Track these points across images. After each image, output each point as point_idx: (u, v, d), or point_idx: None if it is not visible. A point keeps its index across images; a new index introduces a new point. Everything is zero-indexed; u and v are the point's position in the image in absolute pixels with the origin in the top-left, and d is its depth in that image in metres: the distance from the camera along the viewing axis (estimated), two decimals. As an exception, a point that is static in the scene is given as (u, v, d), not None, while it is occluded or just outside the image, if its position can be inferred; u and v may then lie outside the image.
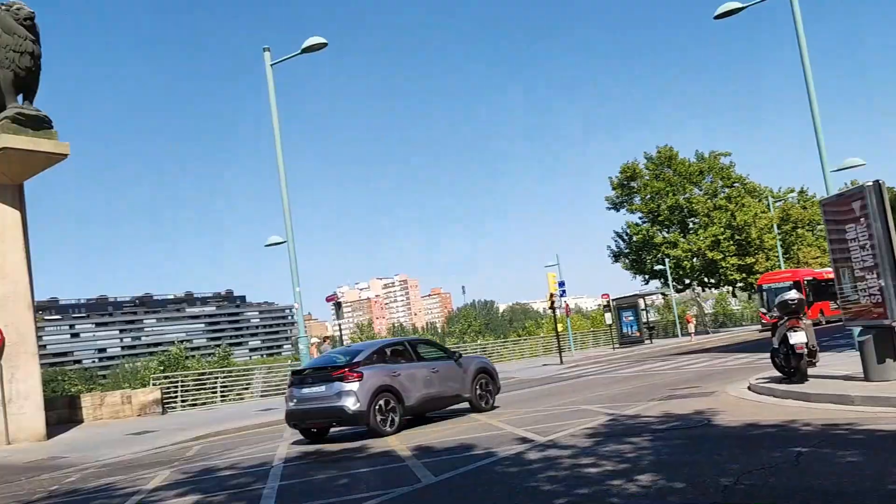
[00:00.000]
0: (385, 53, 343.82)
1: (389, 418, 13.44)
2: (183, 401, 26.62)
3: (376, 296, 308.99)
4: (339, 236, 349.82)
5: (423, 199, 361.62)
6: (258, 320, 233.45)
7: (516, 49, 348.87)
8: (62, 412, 22.60)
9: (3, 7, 18.87)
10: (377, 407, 13.28)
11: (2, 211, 19.28)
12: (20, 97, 19.30)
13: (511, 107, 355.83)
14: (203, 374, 31.33)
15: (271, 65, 21.35)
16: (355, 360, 13.75)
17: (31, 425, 18.77)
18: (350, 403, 13.11)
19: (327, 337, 28.14)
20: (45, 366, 44.88)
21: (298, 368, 16.17)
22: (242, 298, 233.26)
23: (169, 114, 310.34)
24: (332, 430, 14.62)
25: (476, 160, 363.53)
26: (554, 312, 39.05)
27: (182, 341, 66.90)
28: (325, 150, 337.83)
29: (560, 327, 41.09)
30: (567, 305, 45.26)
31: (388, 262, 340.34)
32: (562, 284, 41.63)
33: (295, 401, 13.89)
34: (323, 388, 13.50)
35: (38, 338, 20.58)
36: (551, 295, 38.47)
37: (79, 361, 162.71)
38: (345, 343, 35.38)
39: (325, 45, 20.39)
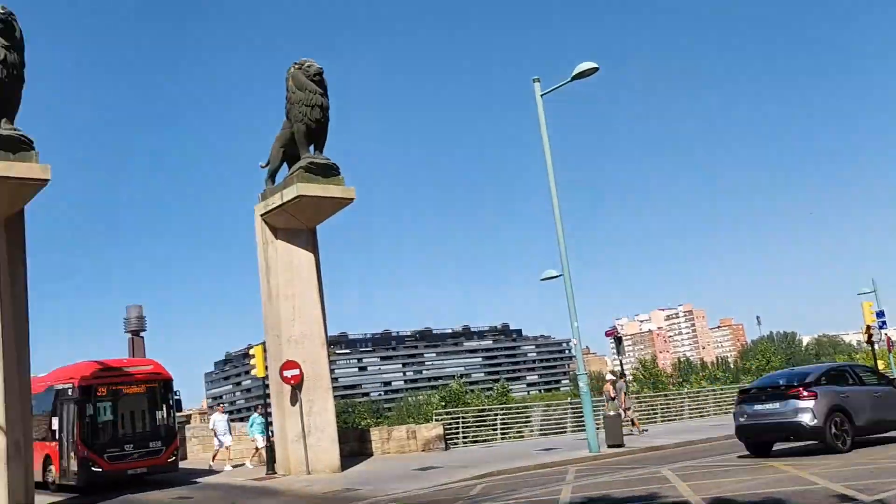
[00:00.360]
0: (653, 75, 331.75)
1: (843, 436, 14.28)
2: (464, 437, 26.82)
3: (658, 328, 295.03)
4: (617, 265, 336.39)
5: (707, 222, 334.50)
6: (535, 354, 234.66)
7: (808, 59, 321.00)
8: (353, 445, 23.67)
9: (296, 65, 20.46)
10: (832, 424, 14.19)
11: (297, 254, 20.73)
12: (311, 147, 20.74)
13: (816, 116, 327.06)
14: (483, 410, 31.58)
15: (541, 95, 21.02)
16: (807, 381, 14.79)
17: (326, 457, 19.76)
18: (807, 419, 14.17)
19: (622, 374, 27.57)
20: (337, 398, 48.16)
21: (746, 387, 17.79)
22: (518, 332, 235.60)
23: (441, 148, 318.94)
24: (777, 445, 15.62)
25: (766, 174, 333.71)
26: (872, 347, 34.61)
27: (461, 376, 69.00)
28: (596, 177, 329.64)
29: (881, 364, 36.56)
30: (888, 338, 39.82)
31: (670, 292, 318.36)
32: (881, 315, 36.59)
33: (746, 416, 15.12)
34: (777, 404, 14.69)
35: (331, 371, 21.71)
36: (868, 327, 34.12)
37: (367, 394, 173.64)
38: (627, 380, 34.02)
39: (596, 69, 19.70)
